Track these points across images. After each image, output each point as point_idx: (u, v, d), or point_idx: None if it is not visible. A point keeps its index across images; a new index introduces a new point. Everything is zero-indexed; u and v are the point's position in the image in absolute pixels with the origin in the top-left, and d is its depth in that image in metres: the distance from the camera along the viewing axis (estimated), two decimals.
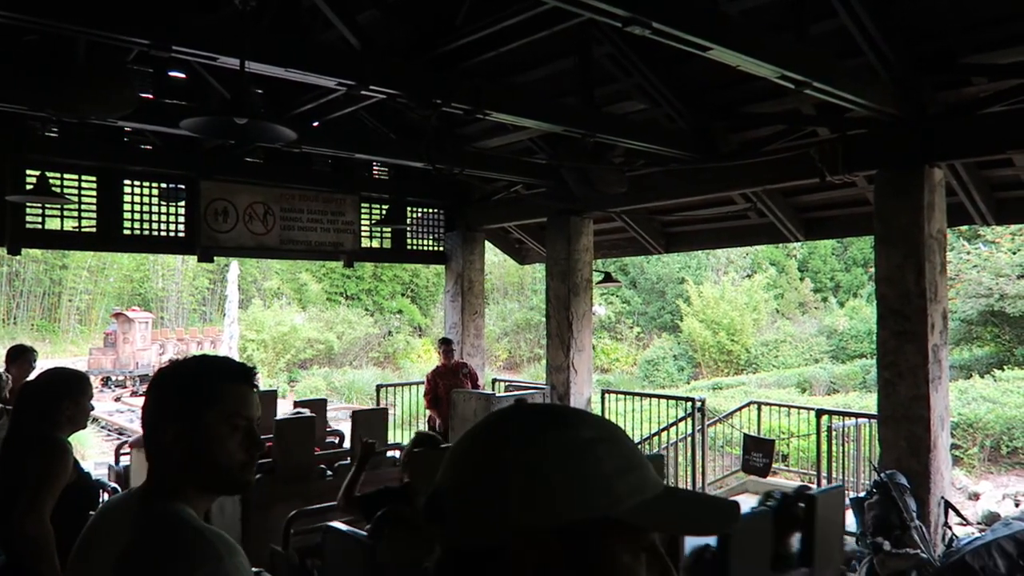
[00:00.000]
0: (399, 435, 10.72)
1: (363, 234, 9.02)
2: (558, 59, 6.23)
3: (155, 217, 7.70)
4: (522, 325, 30.16)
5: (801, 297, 29.72)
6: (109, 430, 16.36)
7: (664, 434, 8.98)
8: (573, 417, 0.81)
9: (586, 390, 8.71)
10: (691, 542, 3.50)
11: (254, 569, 1.54)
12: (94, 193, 7.35)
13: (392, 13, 5.40)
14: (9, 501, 2.62)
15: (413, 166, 7.84)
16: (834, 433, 7.45)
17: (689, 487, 8.17)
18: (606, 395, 9.58)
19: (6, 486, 2.70)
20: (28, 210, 7.03)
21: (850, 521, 6.44)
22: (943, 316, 5.62)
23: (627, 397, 10.06)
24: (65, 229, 7.35)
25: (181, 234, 7.85)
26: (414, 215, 9.82)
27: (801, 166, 6.18)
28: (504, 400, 7.87)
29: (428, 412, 8.68)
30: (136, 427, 12.30)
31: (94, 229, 7.39)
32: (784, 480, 9.49)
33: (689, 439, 8.39)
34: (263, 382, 20.26)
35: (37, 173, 6.17)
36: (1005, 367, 16.63)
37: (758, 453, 7.99)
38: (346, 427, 7.02)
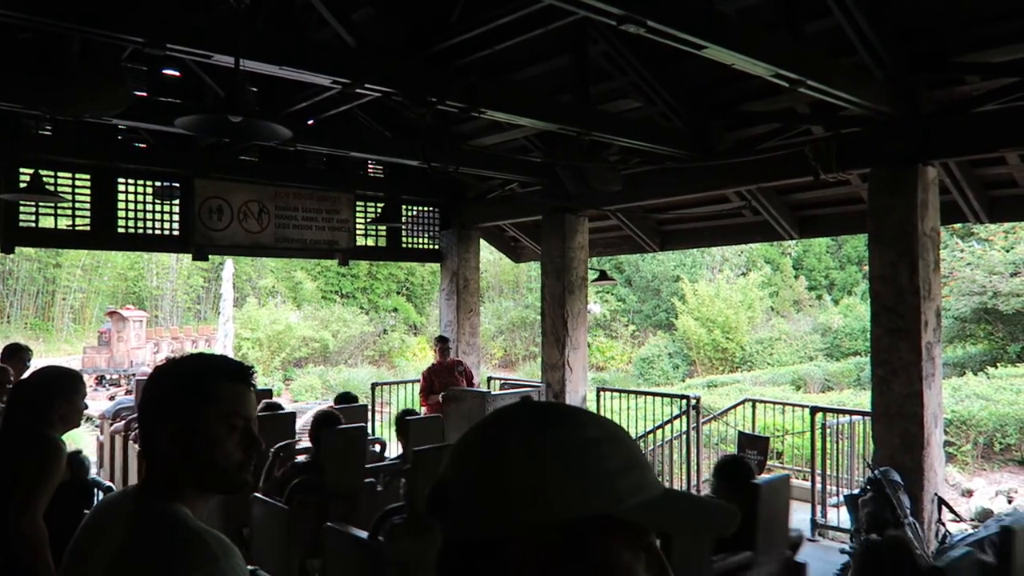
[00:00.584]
0: (390, 433, 10.70)
1: (358, 232, 9.02)
2: (553, 57, 6.23)
3: (149, 215, 7.68)
4: (517, 323, 30.17)
5: (796, 295, 29.77)
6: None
7: (659, 432, 8.99)
8: (578, 415, 0.81)
9: (581, 388, 8.72)
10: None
11: (249, 567, 1.53)
12: (88, 191, 7.32)
13: (387, 11, 5.39)
14: (2, 500, 2.62)
15: (408, 164, 7.83)
16: (828, 430, 7.47)
17: (684, 485, 8.19)
18: (601, 393, 9.58)
19: None
20: (22, 208, 7.01)
21: (845, 517, 6.48)
22: (936, 314, 5.64)
23: (622, 395, 10.07)
24: (59, 227, 7.33)
25: (176, 232, 7.83)
26: (409, 213, 9.81)
27: (795, 164, 6.19)
28: (500, 398, 7.88)
29: (423, 410, 8.69)
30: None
31: (88, 227, 7.37)
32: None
33: (684, 437, 8.40)
34: (258, 381, 20.14)
35: (31, 171, 6.14)
36: (998, 364, 16.69)
37: (753, 451, 8.01)
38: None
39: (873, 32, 4.94)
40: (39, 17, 3.65)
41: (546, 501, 0.74)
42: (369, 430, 7.12)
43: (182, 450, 1.38)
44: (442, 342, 8.71)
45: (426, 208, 9.98)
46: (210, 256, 8.76)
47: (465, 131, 7.86)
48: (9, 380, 5.07)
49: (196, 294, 36.06)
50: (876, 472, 5.41)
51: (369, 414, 10.07)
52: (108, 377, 23.80)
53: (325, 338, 27.95)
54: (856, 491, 6.08)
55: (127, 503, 1.43)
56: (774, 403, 11.60)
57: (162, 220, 7.76)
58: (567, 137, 6.27)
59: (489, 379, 10.76)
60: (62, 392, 2.83)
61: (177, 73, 6.76)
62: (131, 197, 7.57)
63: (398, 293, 33.80)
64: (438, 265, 10.25)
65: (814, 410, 7.59)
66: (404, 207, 9.65)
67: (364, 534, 3.74)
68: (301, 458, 5.09)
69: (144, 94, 6.34)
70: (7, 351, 6.27)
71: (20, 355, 6.16)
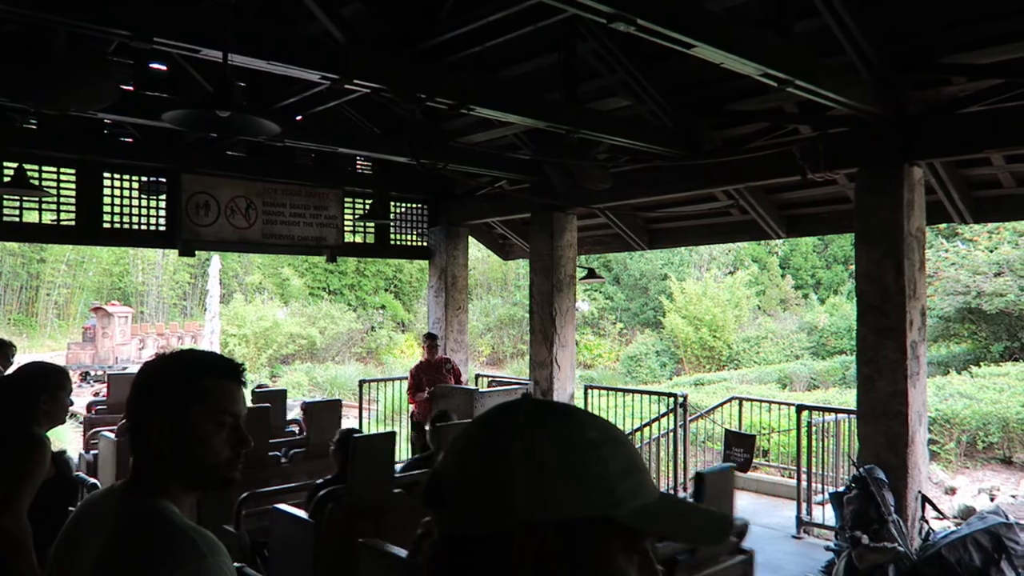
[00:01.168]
0: (381, 431, 10.68)
1: (346, 229, 8.99)
2: (543, 55, 6.23)
3: (135, 210, 7.61)
4: (505, 321, 30.17)
5: (782, 294, 29.94)
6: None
7: (646, 429, 9.03)
8: (579, 416, 0.82)
9: (569, 386, 8.73)
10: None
11: (236, 564, 1.53)
12: (73, 186, 7.25)
13: (376, 6, 5.37)
14: None
15: (397, 160, 7.81)
16: (814, 428, 7.52)
17: (671, 482, 8.22)
18: (589, 391, 9.60)
19: None
20: (5, 202, 6.92)
21: (830, 515, 6.52)
22: (922, 313, 5.69)
23: (610, 393, 10.09)
24: (43, 222, 7.26)
25: (162, 228, 7.77)
26: (397, 210, 9.79)
27: (783, 164, 6.23)
28: (488, 396, 7.88)
29: (411, 407, 8.68)
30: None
31: (73, 222, 7.30)
32: (765, 475, 9.58)
33: (671, 434, 8.44)
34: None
35: (15, 165, 6.09)
36: (982, 364, 16.84)
37: (739, 448, 8.07)
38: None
39: (860, 32, 4.97)
40: (24, 9, 3.61)
41: (546, 500, 0.75)
42: (356, 427, 7.15)
43: (170, 447, 1.37)
44: (430, 339, 8.70)
45: (415, 205, 9.96)
46: (197, 252, 8.70)
47: (454, 128, 7.85)
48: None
49: (182, 290, 35.85)
50: (861, 470, 5.45)
51: (357, 411, 10.12)
52: (92, 373, 23.61)
53: (312, 335, 27.85)
54: (841, 489, 6.13)
55: (113, 499, 1.42)
56: (760, 401, 11.68)
57: (148, 215, 7.70)
58: (556, 135, 6.26)
59: (477, 376, 10.76)
60: (47, 388, 2.81)
61: (164, 67, 6.70)
62: (117, 192, 7.50)
63: (386, 290, 33.72)
64: (426, 262, 10.24)
65: (800, 408, 7.64)
66: (392, 204, 9.63)
67: (403, 552, 3.48)
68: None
69: (130, 88, 6.28)
70: None
71: (3, 351, 6.12)
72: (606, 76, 6.43)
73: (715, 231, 9.21)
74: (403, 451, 8.47)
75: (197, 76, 6.23)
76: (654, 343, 26.64)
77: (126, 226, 7.57)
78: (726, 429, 9.03)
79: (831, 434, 8.05)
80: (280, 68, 4.44)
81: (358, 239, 9.51)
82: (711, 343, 24.94)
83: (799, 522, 7.22)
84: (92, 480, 5.21)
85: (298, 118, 6.54)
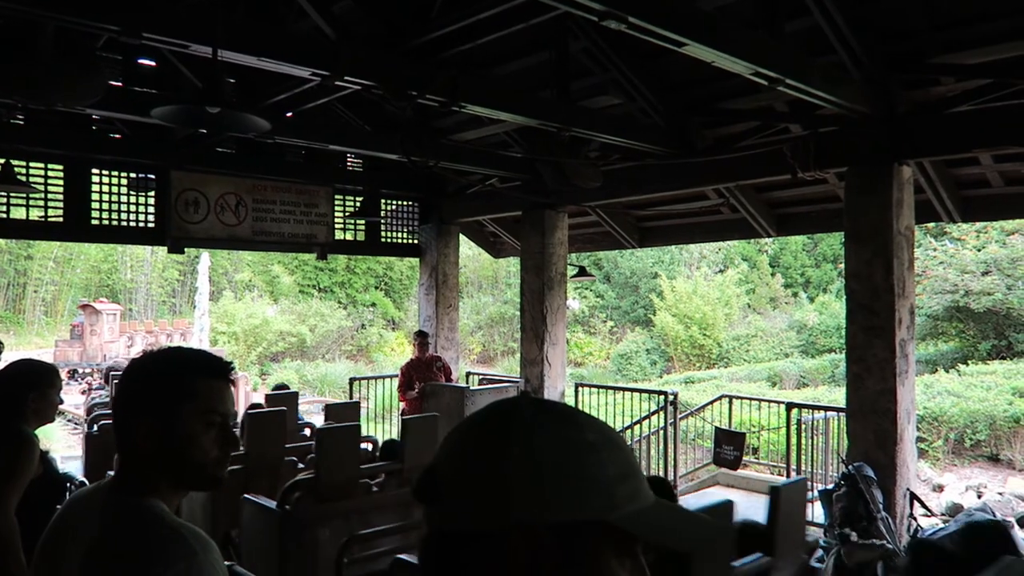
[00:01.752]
0: (372, 428, 10.68)
1: (336, 226, 8.96)
2: (534, 52, 6.22)
3: (124, 207, 7.56)
4: (496, 319, 30.15)
5: (772, 292, 30.05)
6: (76, 423, 16.08)
7: (637, 427, 9.05)
8: (578, 417, 0.81)
9: (560, 384, 8.74)
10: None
11: (226, 563, 1.52)
12: (61, 182, 7.20)
13: (367, 3, 5.35)
14: None
15: (387, 158, 7.79)
16: (803, 426, 7.55)
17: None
18: (579, 388, 9.62)
19: None
20: None
21: (818, 512, 6.55)
22: (910, 311, 5.72)
23: (600, 391, 10.12)
24: (31, 219, 7.20)
25: (151, 225, 7.72)
26: (388, 207, 9.77)
27: (774, 162, 6.25)
28: (478, 394, 7.88)
29: (402, 405, 8.66)
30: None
31: (61, 219, 7.24)
32: (754, 473, 9.62)
33: (661, 432, 8.47)
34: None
35: (2, 161, 6.03)
36: (969, 362, 16.97)
37: (729, 446, 8.09)
38: (319, 420, 7.02)
39: (851, 32, 4.99)
40: (12, 4, 3.57)
41: (544, 502, 0.74)
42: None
43: (158, 445, 1.36)
44: (421, 337, 8.69)
45: (405, 202, 9.94)
46: (186, 249, 8.65)
47: (445, 125, 7.83)
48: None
49: (171, 287, 35.66)
50: (850, 467, 5.48)
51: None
52: (80, 371, 23.47)
53: (302, 332, 27.77)
54: (830, 486, 6.16)
55: (100, 497, 1.41)
56: (750, 399, 11.74)
57: (137, 212, 7.65)
58: (547, 133, 6.26)
59: (468, 374, 10.76)
60: (36, 386, 2.78)
61: (153, 63, 6.66)
62: (105, 188, 7.45)
63: (376, 288, 33.65)
64: (417, 260, 10.22)
65: (789, 406, 7.67)
66: (383, 201, 9.60)
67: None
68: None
69: (119, 84, 6.24)
70: None
71: None
72: (598, 74, 6.43)
73: (706, 229, 9.24)
74: None
75: (186, 72, 6.19)
76: (644, 341, 26.70)
77: (115, 223, 7.52)
78: (716, 427, 9.06)
79: (820, 432, 8.09)
80: (270, 64, 4.42)
81: (349, 236, 9.49)
82: (701, 341, 25.01)
83: None
84: (80, 478, 5.19)
85: (288, 115, 6.52)
